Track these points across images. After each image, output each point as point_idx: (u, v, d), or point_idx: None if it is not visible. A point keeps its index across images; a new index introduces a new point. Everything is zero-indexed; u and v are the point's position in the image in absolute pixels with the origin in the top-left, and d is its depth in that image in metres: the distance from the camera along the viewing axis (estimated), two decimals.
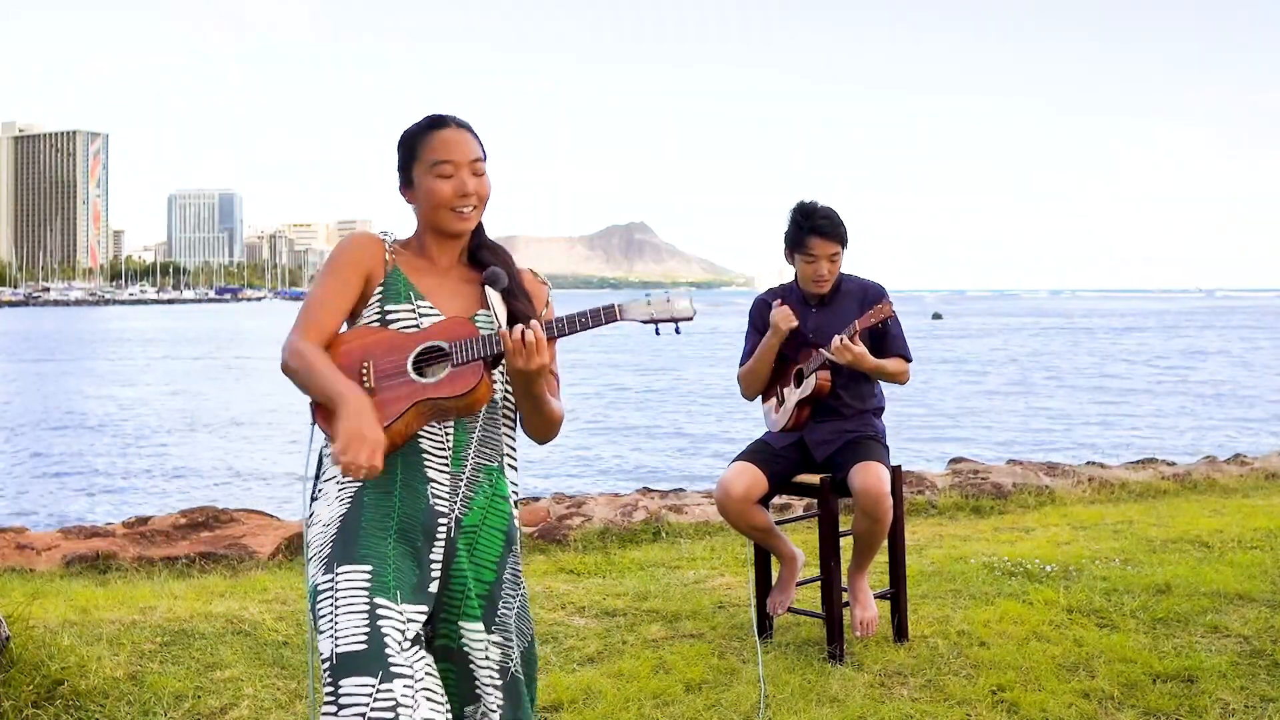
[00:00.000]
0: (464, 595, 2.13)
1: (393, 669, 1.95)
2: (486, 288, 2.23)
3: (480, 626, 2.14)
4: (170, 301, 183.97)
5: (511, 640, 2.17)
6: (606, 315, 2.13)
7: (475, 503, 2.17)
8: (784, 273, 4.27)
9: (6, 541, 5.87)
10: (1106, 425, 20.83)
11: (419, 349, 2.16)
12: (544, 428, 2.26)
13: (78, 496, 14.32)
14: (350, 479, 2.13)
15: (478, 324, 2.22)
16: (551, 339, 2.17)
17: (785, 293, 4.18)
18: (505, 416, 2.28)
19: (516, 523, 2.26)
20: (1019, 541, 5.64)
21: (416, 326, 2.18)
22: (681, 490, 7.48)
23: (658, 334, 2.15)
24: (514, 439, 2.30)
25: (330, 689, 1.95)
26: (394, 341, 2.17)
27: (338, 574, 2.03)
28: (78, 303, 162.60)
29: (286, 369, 2.13)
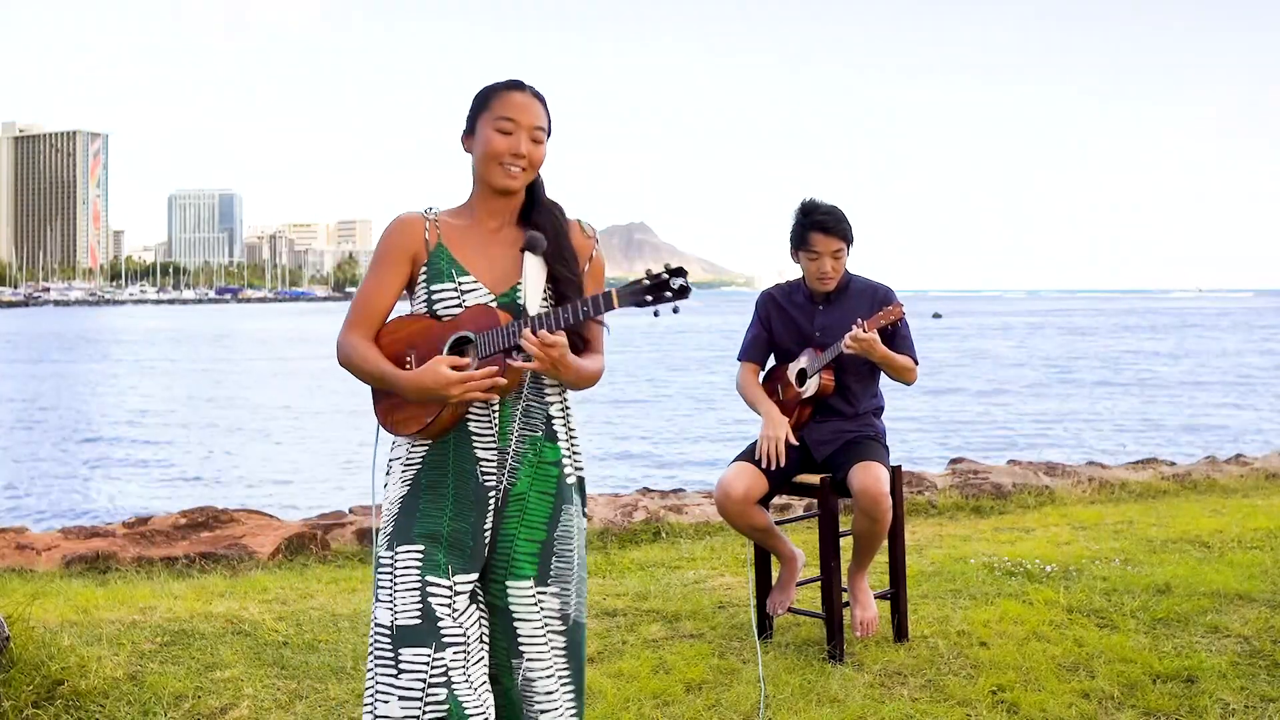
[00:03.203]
0: (510, 557, 2.30)
1: (444, 639, 2.21)
2: (525, 254, 2.31)
3: (528, 584, 2.30)
4: (170, 302, 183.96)
5: (570, 589, 2.33)
6: (605, 303, 2.13)
7: (521, 472, 2.32)
8: (784, 272, 4.27)
9: (6, 541, 5.87)
10: (1106, 425, 20.83)
11: (452, 339, 2.26)
12: (578, 386, 2.35)
13: (78, 496, 14.32)
14: (413, 460, 2.31)
15: (516, 294, 2.31)
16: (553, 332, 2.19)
17: (793, 290, 4.17)
18: (552, 384, 2.37)
19: (571, 482, 2.38)
20: (1019, 541, 5.64)
21: (460, 305, 2.30)
22: (681, 490, 7.48)
23: (656, 315, 2.13)
24: (566, 403, 2.41)
25: (390, 655, 2.21)
26: (433, 330, 2.29)
27: (397, 552, 2.26)
28: (78, 303, 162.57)
29: (341, 364, 2.34)
